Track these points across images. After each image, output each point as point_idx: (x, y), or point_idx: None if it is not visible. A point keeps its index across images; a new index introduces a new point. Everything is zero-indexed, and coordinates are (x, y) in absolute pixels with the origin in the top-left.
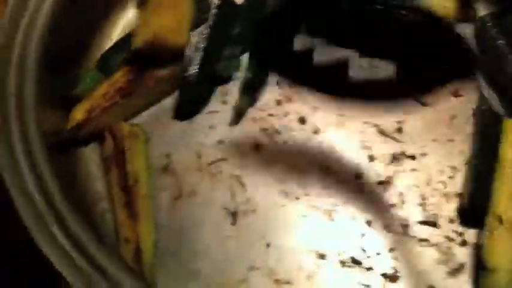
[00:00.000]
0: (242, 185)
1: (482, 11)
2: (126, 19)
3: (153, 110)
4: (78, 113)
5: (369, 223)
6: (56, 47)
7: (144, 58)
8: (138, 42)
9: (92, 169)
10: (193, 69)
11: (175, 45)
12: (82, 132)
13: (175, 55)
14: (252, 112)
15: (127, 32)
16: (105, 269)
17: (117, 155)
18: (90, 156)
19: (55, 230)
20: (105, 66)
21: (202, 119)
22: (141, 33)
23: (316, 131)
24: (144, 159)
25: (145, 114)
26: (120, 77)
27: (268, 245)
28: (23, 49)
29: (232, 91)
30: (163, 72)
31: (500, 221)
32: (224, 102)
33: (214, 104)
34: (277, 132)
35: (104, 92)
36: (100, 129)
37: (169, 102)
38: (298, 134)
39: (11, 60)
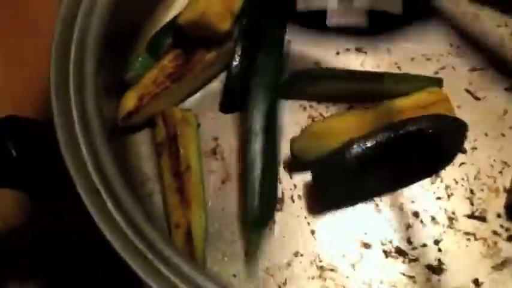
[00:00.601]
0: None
1: None
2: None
3: (200, 93)
4: (129, 101)
5: (415, 214)
6: (115, 27)
7: (186, 38)
8: (181, 20)
9: (141, 150)
10: (236, 62)
11: (218, 30)
12: (134, 121)
13: (218, 40)
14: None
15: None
16: (161, 250)
17: (169, 141)
18: (139, 137)
19: (110, 206)
20: (154, 50)
21: None
22: (186, 12)
23: None
24: (196, 145)
25: (193, 98)
26: (168, 62)
27: (312, 232)
28: (84, 25)
29: None
30: (210, 56)
31: None
32: None
33: None
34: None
35: (154, 77)
36: (152, 116)
37: (216, 85)
38: None
39: (72, 34)
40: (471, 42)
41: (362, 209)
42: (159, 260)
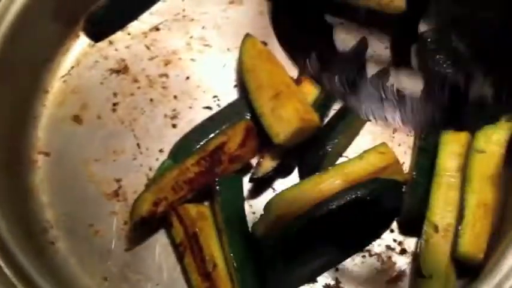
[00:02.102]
0: None
1: (422, 27)
2: None
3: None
4: (145, 204)
5: None
6: None
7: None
8: (280, 139)
9: (42, 198)
10: None
11: (315, 124)
12: (146, 225)
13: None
14: None
15: None
16: None
17: (189, 241)
18: (39, 186)
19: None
20: (179, 156)
21: (152, 142)
22: (280, 129)
23: None
24: (217, 240)
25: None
26: (191, 166)
27: None
28: None
29: None
30: (233, 167)
31: (436, 229)
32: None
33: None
34: None
35: (174, 181)
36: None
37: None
38: None
39: None
40: None
41: None
42: None
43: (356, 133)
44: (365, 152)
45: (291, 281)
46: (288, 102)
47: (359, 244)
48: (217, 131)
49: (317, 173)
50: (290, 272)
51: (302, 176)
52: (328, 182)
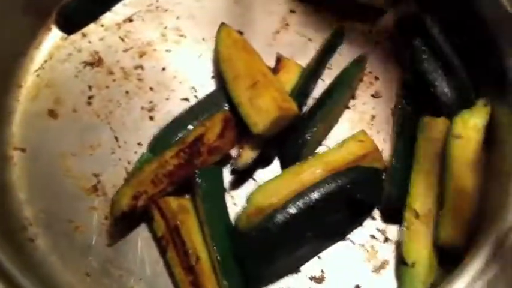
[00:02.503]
0: None
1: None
2: None
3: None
4: (124, 199)
5: None
6: None
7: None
8: (259, 129)
9: (20, 195)
10: None
11: (295, 113)
12: (127, 220)
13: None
14: None
15: None
16: None
17: (171, 234)
18: (18, 182)
19: None
20: (158, 149)
21: (130, 135)
22: (258, 118)
23: None
24: (199, 233)
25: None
26: (170, 158)
27: None
28: None
29: None
30: (213, 158)
31: (417, 215)
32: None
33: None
34: None
35: (153, 174)
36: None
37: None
38: None
39: None
40: None
41: None
42: None
43: (335, 121)
44: (344, 140)
45: (274, 271)
46: (266, 91)
47: (341, 233)
48: (195, 123)
49: (297, 163)
50: (273, 263)
51: (283, 165)
52: (309, 172)
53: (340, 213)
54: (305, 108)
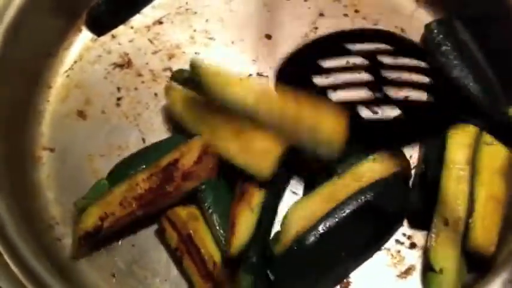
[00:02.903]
0: None
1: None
2: None
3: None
4: (90, 218)
5: None
6: None
7: None
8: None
9: (47, 194)
10: None
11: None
12: (93, 241)
13: None
14: None
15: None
16: None
17: (184, 244)
18: (46, 181)
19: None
20: (116, 180)
21: (157, 137)
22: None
23: None
24: (211, 238)
25: None
26: (142, 181)
27: None
28: None
29: None
30: (188, 185)
31: (446, 222)
32: None
33: None
34: None
35: (122, 196)
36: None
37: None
38: None
39: None
40: None
41: None
42: None
43: None
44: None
45: None
46: (254, 132)
47: (375, 247)
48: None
49: (330, 180)
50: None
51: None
52: (344, 192)
53: (372, 228)
54: None
